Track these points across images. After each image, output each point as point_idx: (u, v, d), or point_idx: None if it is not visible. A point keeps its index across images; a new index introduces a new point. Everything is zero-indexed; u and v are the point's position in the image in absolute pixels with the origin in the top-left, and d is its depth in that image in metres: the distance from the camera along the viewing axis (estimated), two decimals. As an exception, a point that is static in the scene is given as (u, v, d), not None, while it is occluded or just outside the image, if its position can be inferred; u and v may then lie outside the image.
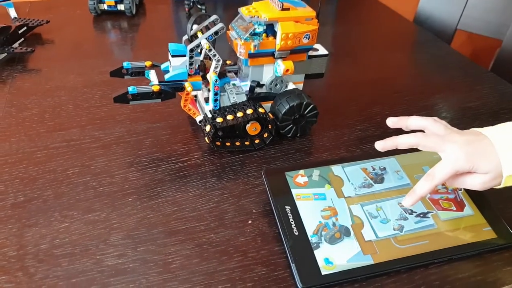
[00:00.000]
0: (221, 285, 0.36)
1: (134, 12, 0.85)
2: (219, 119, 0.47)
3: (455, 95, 0.64)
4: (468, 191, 0.44)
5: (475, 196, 0.43)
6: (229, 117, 0.48)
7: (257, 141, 0.51)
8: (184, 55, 0.47)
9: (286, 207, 0.41)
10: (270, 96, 0.51)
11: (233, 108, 0.49)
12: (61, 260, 0.38)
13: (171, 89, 0.47)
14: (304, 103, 0.49)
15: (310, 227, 0.40)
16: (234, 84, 0.50)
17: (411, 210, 0.42)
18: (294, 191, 0.43)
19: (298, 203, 0.42)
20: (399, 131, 0.55)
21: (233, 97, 0.49)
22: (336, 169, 0.46)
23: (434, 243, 0.39)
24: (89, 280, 0.36)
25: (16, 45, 0.71)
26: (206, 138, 0.49)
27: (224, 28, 0.46)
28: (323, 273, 0.36)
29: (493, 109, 0.60)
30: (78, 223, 0.41)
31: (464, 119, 0.58)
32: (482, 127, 0.56)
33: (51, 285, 0.36)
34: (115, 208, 0.43)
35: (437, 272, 0.38)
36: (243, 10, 0.47)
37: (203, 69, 0.49)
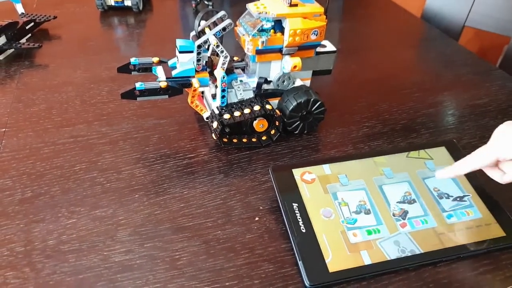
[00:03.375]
0: (229, 282, 0.36)
1: (141, 8, 0.85)
2: (226, 116, 0.47)
3: (463, 92, 0.63)
4: (476, 190, 0.43)
5: (483, 194, 0.43)
6: (236, 113, 0.47)
7: (264, 137, 0.51)
8: (192, 51, 0.47)
9: (293, 204, 0.41)
10: (277, 93, 0.51)
11: (240, 104, 0.49)
12: (68, 256, 0.38)
13: (179, 86, 0.47)
14: (312, 100, 0.49)
15: (317, 225, 0.39)
16: (241, 81, 0.50)
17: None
18: (301, 188, 0.43)
19: (306, 200, 0.42)
20: (407, 131, 0.55)
21: (240, 94, 0.49)
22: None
23: (442, 242, 0.39)
24: (97, 276, 0.36)
25: (23, 40, 0.72)
26: (213, 135, 0.49)
27: (232, 24, 0.46)
28: (330, 270, 0.36)
29: (502, 106, 0.59)
30: (85, 219, 0.41)
31: (473, 116, 0.57)
32: (491, 124, 0.57)
33: (59, 281, 0.36)
34: (122, 204, 0.43)
35: (445, 270, 0.37)
36: (251, 6, 0.47)
37: (210, 66, 0.49)
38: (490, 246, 0.39)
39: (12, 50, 0.69)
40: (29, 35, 0.74)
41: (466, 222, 0.40)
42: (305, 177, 0.44)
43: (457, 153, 0.47)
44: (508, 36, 0.86)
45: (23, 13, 0.76)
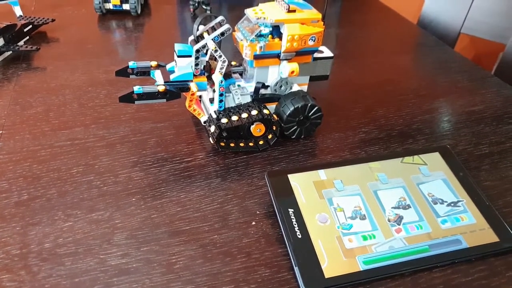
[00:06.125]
0: (225, 286, 0.36)
1: (139, 11, 0.85)
2: (224, 120, 0.47)
3: (459, 99, 0.64)
4: (470, 196, 0.44)
5: (477, 200, 0.43)
6: (234, 118, 0.48)
7: (261, 142, 0.51)
8: (190, 56, 0.47)
9: (289, 209, 0.41)
10: (274, 98, 0.51)
11: (238, 109, 0.49)
12: (64, 259, 0.38)
13: (177, 90, 0.47)
14: (309, 105, 0.49)
15: (313, 230, 0.40)
16: (239, 85, 0.51)
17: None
18: (297, 194, 0.43)
19: (301, 205, 0.42)
20: (403, 136, 0.55)
21: (238, 98, 0.49)
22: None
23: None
24: (93, 279, 0.36)
25: (21, 43, 0.72)
26: (210, 139, 0.49)
27: (231, 29, 0.46)
28: (326, 276, 0.36)
29: (498, 113, 0.60)
30: (82, 222, 0.41)
31: (468, 122, 0.58)
32: (486, 131, 0.57)
33: (54, 284, 0.36)
34: (119, 208, 0.43)
35: (441, 276, 0.38)
36: (249, 12, 0.47)
37: (208, 70, 0.49)
38: (484, 251, 0.39)
39: (10, 52, 0.69)
40: (27, 37, 0.74)
41: (460, 228, 0.41)
42: (300, 183, 0.44)
43: (451, 159, 0.47)
44: (503, 43, 0.87)
45: (21, 16, 0.76)
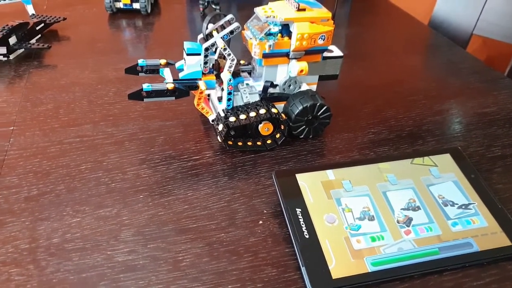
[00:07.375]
0: (231, 285, 0.36)
1: (149, 11, 0.85)
2: (232, 119, 0.47)
3: (470, 100, 0.63)
4: (482, 198, 0.43)
5: (489, 203, 0.42)
6: (242, 116, 0.47)
7: (269, 141, 0.51)
8: (199, 54, 0.47)
9: (296, 209, 0.41)
10: (283, 97, 0.51)
11: (246, 107, 0.49)
12: (72, 254, 0.38)
13: (185, 88, 0.47)
14: (318, 104, 0.49)
15: (320, 230, 0.39)
16: (247, 84, 0.50)
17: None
18: (305, 193, 0.42)
19: (309, 205, 0.41)
20: (413, 137, 0.54)
21: (246, 97, 0.49)
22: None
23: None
24: (100, 275, 0.36)
25: (33, 41, 0.72)
26: (218, 137, 0.49)
27: (240, 27, 0.46)
28: (333, 277, 0.36)
29: (511, 115, 0.59)
30: (90, 218, 0.41)
31: (480, 124, 0.57)
32: (498, 133, 0.56)
33: (62, 279, 0.36)
34: (127, 205, 0.43)
35: (451, 279, 0.37)
36: (258, 10, 0.47)
37: (217, 68, 0.49)
38: (496, 255, 0.38)
39: (22, 50, 0.70)
40: (39, 35, 0.75)
41: (472, 231, 0.40)
42: (308, 182, 0.44)
43: (462, 161, 0.47)
44: (517, 45, 0.85)
45: (33, 14, 0.77)
